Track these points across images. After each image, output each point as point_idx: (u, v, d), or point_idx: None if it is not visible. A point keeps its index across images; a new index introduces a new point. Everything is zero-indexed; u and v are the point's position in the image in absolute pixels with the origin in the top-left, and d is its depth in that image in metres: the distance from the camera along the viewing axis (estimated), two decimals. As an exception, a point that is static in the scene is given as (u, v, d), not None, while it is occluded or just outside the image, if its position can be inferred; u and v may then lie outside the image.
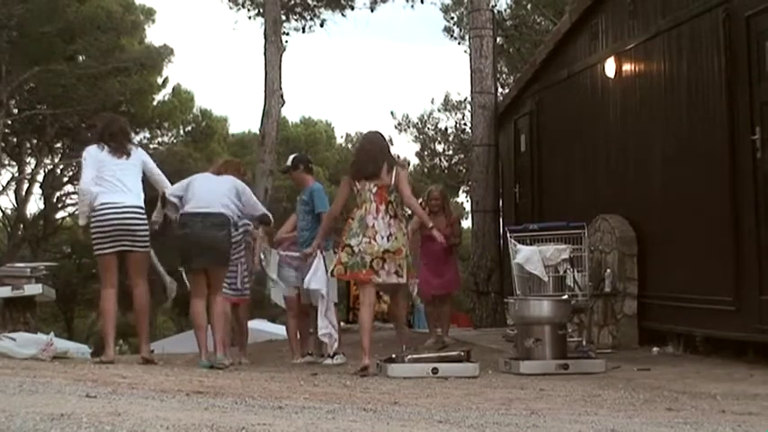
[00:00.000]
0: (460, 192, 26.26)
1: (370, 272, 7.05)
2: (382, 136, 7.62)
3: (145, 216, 7.31)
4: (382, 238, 7.05)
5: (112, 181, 7.21)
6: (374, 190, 7.13)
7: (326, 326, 7.92)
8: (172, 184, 7.66)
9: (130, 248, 7.23)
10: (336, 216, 7.80)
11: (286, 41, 16.89)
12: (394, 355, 7.06)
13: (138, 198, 7.28)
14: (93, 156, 7.34)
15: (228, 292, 7.95)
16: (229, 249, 7.46)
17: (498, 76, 15.24)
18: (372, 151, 7.30)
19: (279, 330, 10.27)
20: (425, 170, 24.94)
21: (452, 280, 10.09)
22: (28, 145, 27.03)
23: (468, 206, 24.01)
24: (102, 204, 7.15)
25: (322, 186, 8.65)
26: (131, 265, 7.32)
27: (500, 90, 14.37)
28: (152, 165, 7.58)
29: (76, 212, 7.64)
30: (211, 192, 7.37)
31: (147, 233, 7.33)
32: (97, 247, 7.23)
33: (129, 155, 7.37)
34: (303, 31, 20.22)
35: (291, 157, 8.79)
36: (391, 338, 8.69)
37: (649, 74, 9.30)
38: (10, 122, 24.66)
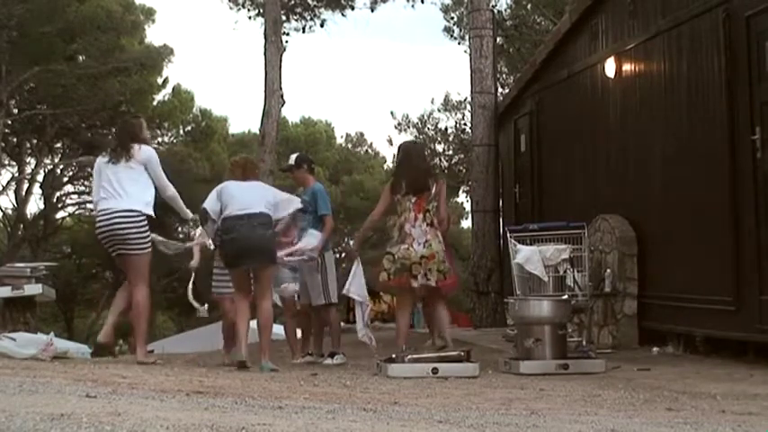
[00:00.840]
0: (460, 192, 26.25)
1: (408, 276, 7.36)
2: (423, 148, 7.91)
3: (135, 219, 7.16)
4: (419, 244, 7.38)
5: (107, 187, 7.22)
6: (413, 200, 7.46)
7: (364, 328, 8.02)
8: (172, 184, 7.62)
9: (122, 252, 7.21)
10: (378, 220, 8.02)
11: (286, 41, 16.84)
12: (394, 355, 7.07)
13: (130, 201, 7.17)
14: (97, 165, 7.48)
15: (229, 291, 7.97)
16: (276, 248, 7.46)
17: (498, 76, 15.24)
18: (422, 167, 7.70)
19: (279, 330, 10.25)
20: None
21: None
22: (28, 145, 27.01)
23: (468, 206, 24.03)
24: (98, 212, 7.27)
25: (323, 187, 8.65)
26: (127, 268, 7.30)
27: (500, 90, 14.37)
28: (154, 167, 7.41)
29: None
30: (249, 194, 7.32)
31: (140, 236, 7.19)
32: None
33: (127, 158, 7.28)
34: (303, 31, 20.17)
35: (294, 155, 8.78)
36: (391, 339, 8.68)
37: (649, 74, 9.31)
38: (10, 122, 24.64)
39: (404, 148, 8.01)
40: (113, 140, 7.65)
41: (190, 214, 7.75)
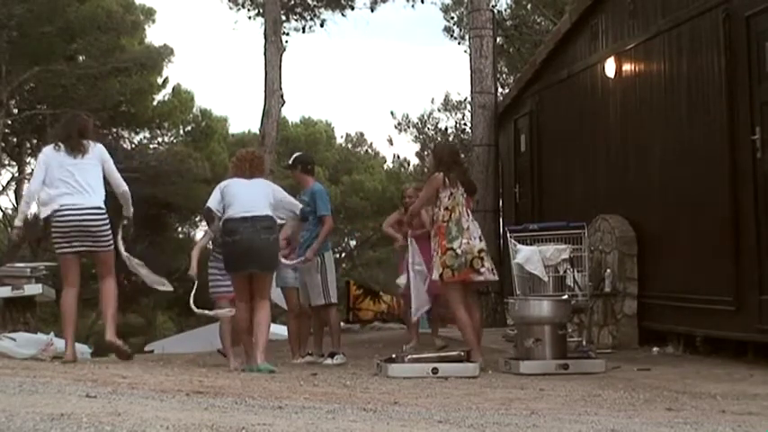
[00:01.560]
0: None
1: (470, 270, 7.41)
2: None
3: (104, 216, 7.22)
4: (475, 238, 7.48)
5: (70, 182, 7.14)
6: (464, 195, 7.58)
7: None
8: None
9: (93, 249, 7.23)
10: (421, 209, 8.22)
11: (286, 41, 16.83)
12: (394, 355, 7.07)
13: (97, 198, 7.20)
14: (49, 157, 7.30)
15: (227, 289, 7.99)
16: (278, 253, 7.42)
17: (498, 76, 15.22)
18: (467, 171, 8.02)
19: (279, 330, 10.26)
20: (425, 170, 24.87)
21: None
22: (28, 145, 26.97)
23: (468, 206, 23.95)
24: (61, 206, 7.13)
25: (323, 187, 8.64)
26: (98, 264, 7.39)
27: (500, 90, 14.37)
28: (110, 164, 7.43)
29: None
30: (253, 195, 7.17)
31: (109, 233, 7.26)
32: (57, 248, 7.30)
33: (85, 153, 7.24)
34: (303, 31, 20.16)
35: (294, 156, 8.81)
36: (391, 338, 8.71)
37: (649, 74, 9.30)
38: (10, 122, 24.61)
39: (453, 148, 8.54)
40: (66, 132, 7.44)
41: (132, 212, 7.71)
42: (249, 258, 7.05)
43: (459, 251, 7.37)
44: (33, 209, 7.37)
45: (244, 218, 7.03)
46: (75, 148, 7.24)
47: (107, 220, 7.25)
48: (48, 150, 7.37)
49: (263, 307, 7.22)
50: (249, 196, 7.16)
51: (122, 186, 7.50)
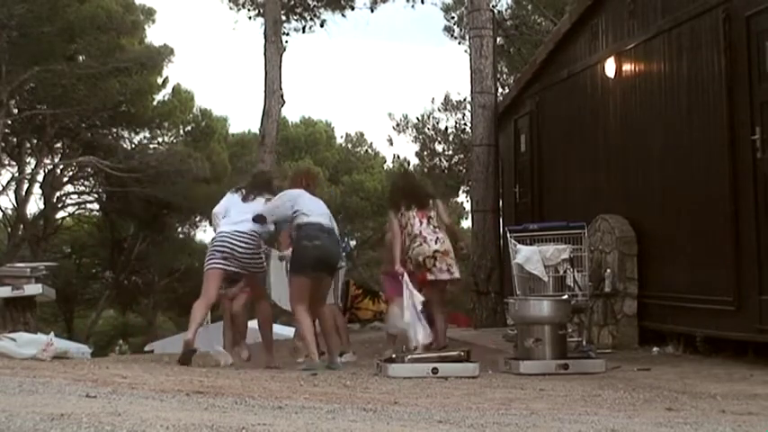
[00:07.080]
0: (460, 192, 26.23)
1: (425, 271, 7.96)
2: (413, 175, 9.94)
3: (252, 242, 7.75)
4: (431, 241, 8.09)
5: (233, 216, 7.90)
6: (414, 211, 8.23)
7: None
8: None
9: (240, 269, 7.77)
10: (404, 241, 8.33)
11: (286, 41, 16.86)
12: (394, 355, 7.07)
13: (247, 226, 7.78)
14: (228, 196, 8.24)
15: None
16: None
17: (498, 76, 15.23)
18: (420, 192, 8.59)
19: (279, 330, 10.25)
20: (425, 170, 24.88)
21: None
22: (28, 145, 26.99)
23: (468, 206, 24.00)
24: (221, 230, 7.86)
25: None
26: (250, 284, 8.10)
27: (500, 90, 14.37)
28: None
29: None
30: (321, 209, 7.79)
31: (257, 257, 7.82)
32: (207, 263, 7.85)
33: (255, 200, 7.97)
34: (303, 32, 20.18)
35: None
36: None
37: (649, 74, 9.30)
38: (10, 122, 24.63)
39: (397, 183, 9.21)
40: (251, 187, 8.30)
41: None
42: (325, 263, 7.61)
43: (411, 255, 8.00)
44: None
45: (323, 227, 7.60)
46: (248, 195, 8.08)
47: (253, 247, 7.79)
48: (229, 193, 8.35)
49: (326, 310, 7.85)
50: (320, 210, 7.76)
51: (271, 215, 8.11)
